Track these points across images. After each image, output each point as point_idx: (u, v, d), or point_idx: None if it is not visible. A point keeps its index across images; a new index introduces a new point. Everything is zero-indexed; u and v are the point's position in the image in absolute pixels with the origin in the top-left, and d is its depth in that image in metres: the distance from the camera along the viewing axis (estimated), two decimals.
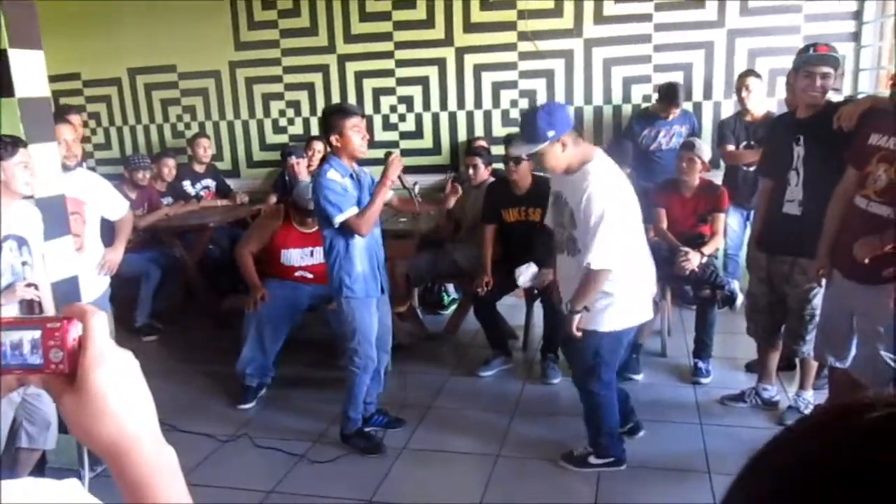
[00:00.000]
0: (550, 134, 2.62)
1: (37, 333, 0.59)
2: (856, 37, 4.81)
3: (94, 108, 6.21)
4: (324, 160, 3.25)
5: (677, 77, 5.05)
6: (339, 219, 3.06)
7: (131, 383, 0.61)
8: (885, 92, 3.52)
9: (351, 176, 3.13)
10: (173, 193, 5.43)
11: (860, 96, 4.01)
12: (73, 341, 0.59)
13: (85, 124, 5.73)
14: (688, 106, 5.13)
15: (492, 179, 4.49)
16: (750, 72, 4.60)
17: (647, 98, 5.20)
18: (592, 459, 3.07)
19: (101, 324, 0.60)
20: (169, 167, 5.38)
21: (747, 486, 0.36)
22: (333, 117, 3.08)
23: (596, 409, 3.02)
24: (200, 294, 5.17)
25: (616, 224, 2.64)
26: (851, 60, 4.81)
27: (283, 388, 4.01)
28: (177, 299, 5.29)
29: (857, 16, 4.80)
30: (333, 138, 3.07)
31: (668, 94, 4.73)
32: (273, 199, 5.33)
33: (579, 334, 2.81)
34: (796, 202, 3.07)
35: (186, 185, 5.54)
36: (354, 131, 3.06)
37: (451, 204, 3.64)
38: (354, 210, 3.08)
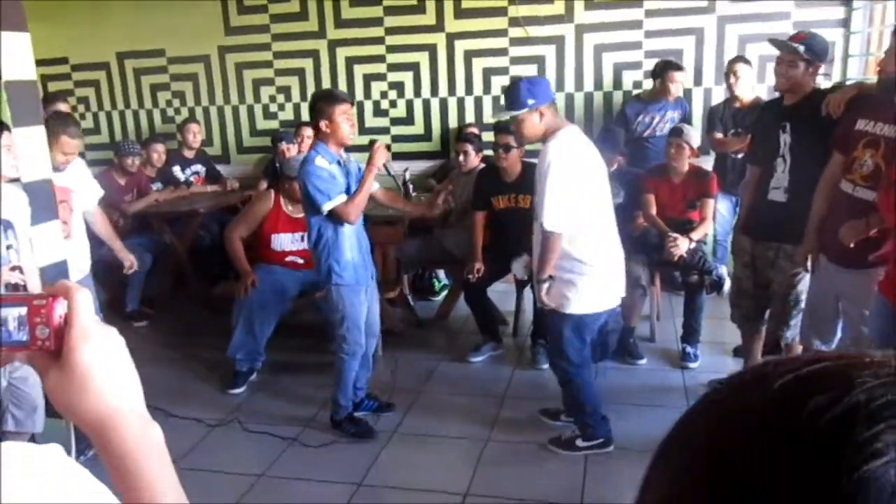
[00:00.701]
0: (531, 102, 2.77)
1: (23, 310, 0.60)
2: (845, 23, 4.81)
3: (82, 93, 6.16)
4: (311, 146, 3.24)
5: None
6: (327, 206, 3.07)
7: (116, 359, 0.61)
8: (873, 78, 3.53)
9: (338, 163, 3.13)
10: (163, 179, 5.40)
11: (848, 82, 4.03)
12: (58, 318, 0.60)
13: (73, 109, 5.68)
14: (678, 92, 5.13)
15: (482, 166, 4.49)
16: (739, 58, 4.60)
17: (637, 84, 5.20)
18: (580, 442, 3.11)
19: (86, 301, 0.61)
20: (158, 153, 5.35)
21: (668, 453, 0.37)
22: (322, 103, 3.08)
23: (570, 389, 3.09)
24: (191, 280, 5.16)
25: (571, 190, 2.74)
26: (841, 46, 4.82)
27: (274, 374, 4.02)
28: (167, 285, 5.28)
29: (847, 2, 4.81)
30: (323, 124, 3.07)
31: (664, 71, 4.73)
32: (263, 184, 5.31)
33: (551, 304, 2.90)
34: (782, 189, 3.08)
35: (176, 170, 5.52)
36: (343, 118, 3.07)
37: (435, 212, 3.68)
38: (343, 198, 3.08)
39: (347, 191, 3.12)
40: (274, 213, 4.10)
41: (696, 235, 3.91)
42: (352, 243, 3.19)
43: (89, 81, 6.14)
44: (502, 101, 2.97)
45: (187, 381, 3.98)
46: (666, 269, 4.23)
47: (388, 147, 5.53)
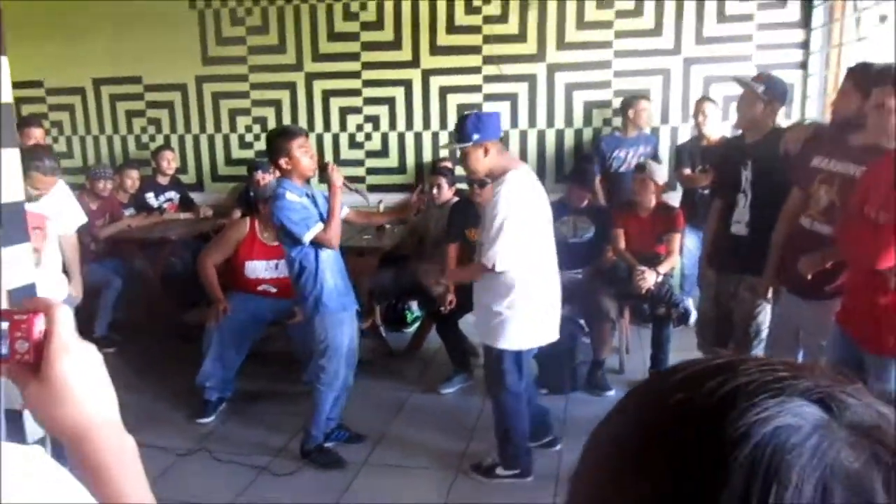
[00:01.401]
0: (475, 137, 2.84)
1: (3, 325, 0.63)
2: (803, 65, 5.03)
3: (56, 117, 6.15)
4: (277, 185, 3.24)
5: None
6: (307, 236, 3.09)
7: (94, 373, 0.64)
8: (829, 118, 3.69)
9: (307, 195, 3.18)
10: (136, 205, 5.39)
11: (806, 122, 4.20)
12: (38, 333, 0.63)
13: (47, 132, 5.66)
14: (646, 130, 5.29)
15: (455, 199, 4.56)
16: (706, 98, 4.78)
17: (607, 122, 5.35)
18: (499, 471, 3.16)
19: (65, 316, 0.63)
20: (132, 178, 5.35)
21: (595, 441, 0.45)
22: (279, 140, 3.12)
23: (503, 418, 3.12)
24: (162, 306, 5.12)
25: (516, 233, 2.82)
26: (799, 88, 5.03)
27: (244, 402, 3.99)
28: (137, 311, 5.23)
29: (805, 45, 5.03)
30: (283, 161, 3.10)
31: (631, 102, 4.94)
32: (237, 213, 5.32)
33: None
34: (743, 223, 3.19)
35: (149, 197, 5.51)
36: (301, 152, 3.11)
37: (410, 213, 3.69)
38: (320, 226, 3.12)
39: (322, 219, 3.16)
40: (249, 240, 4.11)
41: (663, 269, 4.01)
42: (334, 270, 3.24)
43: (64, 106, 6.13)
44: (453, 134, 3.04)
45: (155, 410, 3.93)
46: (635, 302, 4.31)
47: (363, 179, 5.62)
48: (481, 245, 2.94)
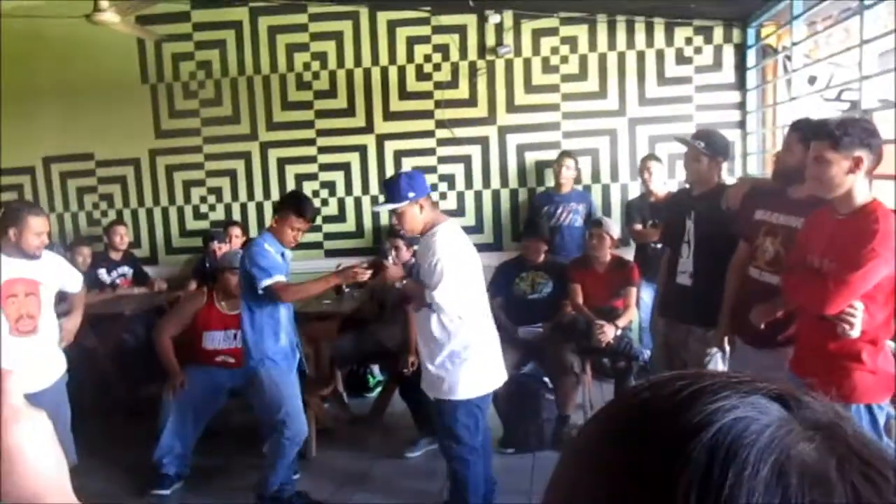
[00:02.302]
0: (411, 195, 2.92)
1: None
2: (741, 125, 5.29)
3: (7, 197, 6.01)
4: (260, 233, 3.39)
5: (585, 162, 5.39)
6: (265, 282, 3.15)
7: (44, 440, 0.63)
8: (769, 173, 3.87)
9: (281, 253, 3.28)
10: (88, 282, 5.24)
11: (745, 178, 4.39)
12: None
13: None
14: (596, 188, 5.46)
15: (413, 261, 4.58)
16: (651, 156, 4.98)
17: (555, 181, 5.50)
18: None
19: (15, 384, 0.62)
20: (84, 255, 5.24)
21: (573, 449, 0.45)
22: (293, 206, 3.30)
23: (457, 472, 3.09)
24: (113, 384, 4.95)
25: (456, 276, 2.89)
26: (739, 146, 5.27)
27: (201, 479, 3.85)
28: (86, 390, 5.04)
29: (742, 106, 5.29)
30: (282, 222, 3.27)
31: (558, 159, 5.14)
32: (192, 285, 5.24)
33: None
34: (687, 273, 3.29)
35: (102, 273, 5.39)
36: (298, 230, 3.29)
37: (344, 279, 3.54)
38: (282, 279, 3.15)
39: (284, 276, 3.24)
40: (206, 310, 4.05)
41: (621, 322, 4.07)
42: (287, 330, 3.32)
43: (12, 185, 6.01)
44: (384, 196, 3.10)
45: (109, 489, 3.76)
46: (595, 356, 4.35)
47: (321, 244, 5.62)
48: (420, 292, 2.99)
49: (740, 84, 5.30)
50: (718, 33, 5.31)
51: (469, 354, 2.97)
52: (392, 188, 2.97)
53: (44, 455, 0.62)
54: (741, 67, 5.28)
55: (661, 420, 0.39)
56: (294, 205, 3.32)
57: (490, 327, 3.13)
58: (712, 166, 3.27)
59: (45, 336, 3.20)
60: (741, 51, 5.28)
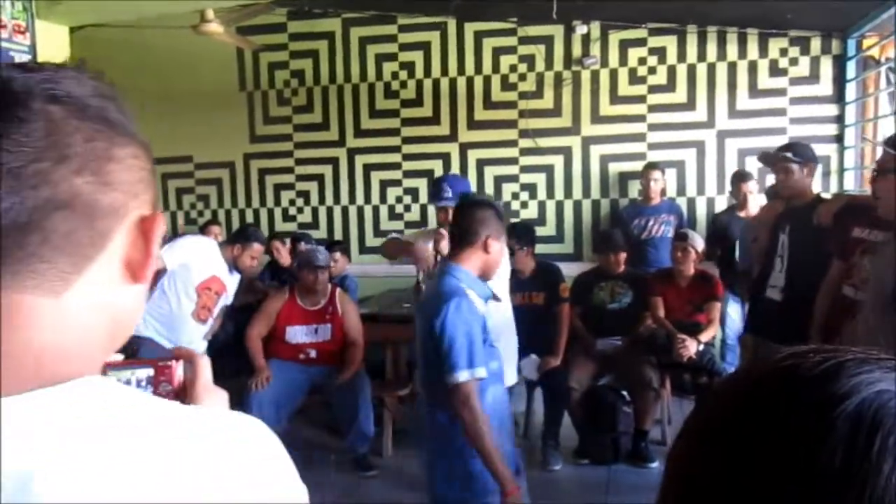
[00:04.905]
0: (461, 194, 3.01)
1: (150, 371, 0.71)
2: (838, 139, 5.08)
3: None
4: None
5: (670, 174, 5.30)
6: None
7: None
8: (867, 190, 3.71)
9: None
10: None
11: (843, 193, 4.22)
12: (179, 378, 0.71)
13: None
14: (682, 201, 5.35)
15: None
16: (743, 175, 4.78)
17: (641, 193, 5.42)
18: None
19: (207, 364, 0.72)
20: None
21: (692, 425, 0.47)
22: (493, 222, 2.22)
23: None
24: None
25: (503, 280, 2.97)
26: (836, 161, 5.06)
27: None
28: None
29: (840, 119, 5.09)
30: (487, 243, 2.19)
31: (644, 171, 5.06)
32: (258, 285, 5.41)
33: None
34: (778, 288, 3.19)
35: None
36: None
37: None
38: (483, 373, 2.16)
39: None
40: (288, 306, 4.22)
41: (704, 337, 3.98)
42: None
43: None
44: (448, 193, 3.17)
45: None
46: (675, 372, 4.27)
47: None
48: None
49: (839, 97, 5.10)
50: (816, 44, 5.13)
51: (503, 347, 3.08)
52: (455, 186, 3.07)
53: None
54: (840, 79, 5.08)
55: (808, 387, 0.41)
56: (494, 217, 2.21)
57: (511, 332, 3.23)
58: (805, 174, 3.18)
59: (208, 328, 3.89)
60: (840, 62, 5.08)
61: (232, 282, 3.93)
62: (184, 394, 0.71)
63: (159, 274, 3.61)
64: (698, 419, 0.47)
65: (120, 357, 0.76)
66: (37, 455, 0.44)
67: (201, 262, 3.72)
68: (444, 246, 3.07)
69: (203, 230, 5.86)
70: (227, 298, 3.99)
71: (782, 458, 0.39)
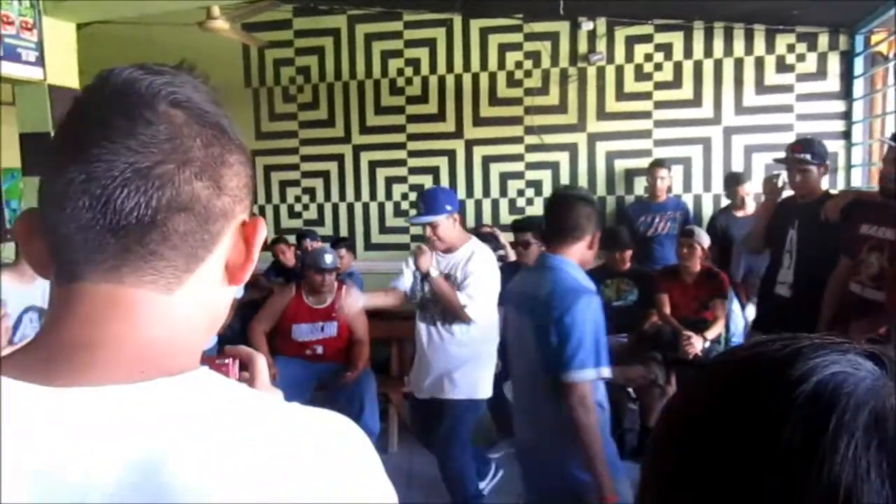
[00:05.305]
0: (448, 208, 3.06)
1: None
2: (846, 135, 5.06)
3: None
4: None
5: (677, 170, 5.29)
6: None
7: None
8: (875, 187, 3.69)
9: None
10: None
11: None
12: (235, 376, 0.70)
13: None
14: (688, 198, 5.34)
15: (500, 264, 4.62)
16: (736, 178, 4.76)
17: (647, 190, 5.41)
18: None
19: (263, 364, 0.72)
20: None
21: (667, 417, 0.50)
22: (596, 218, 2.22)
23: (455, 473, 3.26)
24: None
25: (493, 291, 3.07)
26: (843, 157, 5.04)
27: None
28: None
29: (847, 116, 5.06)
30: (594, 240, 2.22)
31: (650, 169, 5.03)
32: (263, 281, 5.41)
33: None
34: (787, 284, 3.18)
35: None
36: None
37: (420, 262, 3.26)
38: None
39: None
40: (294, 304, 4.23)
41: (710, 334, 3.97)
42: None
43: None
44: (421, 209, 3.12)
45: None
46: (681, 369, 4.25)
47: (407, 245, 5.74)
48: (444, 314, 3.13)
49: (846, 93, 5.07)
50: (823, 40, 5.11)
51: (491, 358, 3.19)
52: (430, 202, 3.06)
53: None
54: (847, 76, 5.06)
55: (769, 372, 0.43)
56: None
57: (496, 337, 3.26)
58: (820, 174, 3.17)
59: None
60: (847, 58, 5.06)
61: None
62: None
63: None
64: (675, 403, 0.49)
65: None
66: (168, 437, 0.47)
67: None
68: (424, 261, 3.07)
69: None
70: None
71: (747, 439, 0.41)
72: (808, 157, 3.13)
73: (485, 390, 3.23)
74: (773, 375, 0.42)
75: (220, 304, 0.60)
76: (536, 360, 2.10)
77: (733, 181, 4.77)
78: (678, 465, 0.45)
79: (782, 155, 3.31)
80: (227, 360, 0.70)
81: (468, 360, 3.16)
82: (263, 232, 0.60)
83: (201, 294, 0.56)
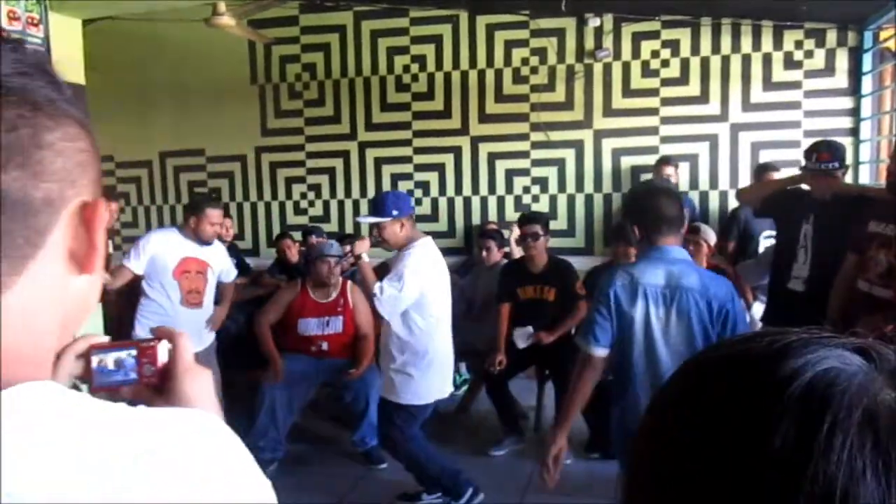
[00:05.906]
0: (394, 213, 3.17)
1: (133, 352, 0.72)
2: (854, 132, 5.02)
3: (124, 189, 6.47)
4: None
5: (683, 167, 5.27)
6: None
7: (210, 392, 0.72)
8: (883, 184, 3.66)
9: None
10: None
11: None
12: (162, 358, 0.72)
13: (121, 208, 5.99)
14: (694, 195, 5.32)
15: (504, 261, 4.62)
16: (769, 167, 4.72)
17: None
18: (425, 497, 3.43)
19: (187, 343, 0.72)
20: None
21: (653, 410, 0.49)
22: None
23: (413, 461, 3.37)
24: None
25: (412, 292, 3.09)
26: (851, 154, 5.00)
27: (292, 465, 4.01)
28: None
29: (855, 112, 5.03)
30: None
31: (656, 166, 5.01)
32: (266, 277, 5.42)
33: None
34: (801, 279, 3.15)
35: None
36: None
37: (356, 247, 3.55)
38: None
39: None
40: (300, 299, 4.23)
41: None
42: None
43: (132, 178, 6.45)
44: (370, 209, 3.32)
45: None
46: None
47: None
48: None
49: (854, 90, 5.04)
50: (832, 36, 5.07)
51: (423, 365, 3.20)
52: (378, 205, 3.22)
53: (209, 404, 0.71)
54: (856, 72, 5.02)
55: (757, 370, 0.42)
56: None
57: (447, 342, 3.34)
58: (843, 178, 3.17)
59: (207, 311, 3.86)
60: (856, 55, 5.03)
61: (213, 253, 3.90)
62: (167, 374, 0.71)
63: (137, 280, 3.72)
64: (662, 401, 0.48)
65: (106, 339, 0.76)
66: None
67: (165, 251, 3.75)
68: (359, 245, 3.37)
69: None
70: (221, 272, 4.00)
71: (737, 440, 0.40)
72: (836, 164, 3.10)
73: (413, 398, 3.26)
74: (762, 373, 0.42)
75: (74, 298, 0.53)
76: (692, 350, 2.10)
77: (763, 171, 4.73)
78: (667, 461, 0.44)
79: (789, 152, 3.29)
80: (152, 343, 0.71)
81: (406, 364, 3.22)
82: (104, 213, 0.52)
83: (42, 291, 0.49)
